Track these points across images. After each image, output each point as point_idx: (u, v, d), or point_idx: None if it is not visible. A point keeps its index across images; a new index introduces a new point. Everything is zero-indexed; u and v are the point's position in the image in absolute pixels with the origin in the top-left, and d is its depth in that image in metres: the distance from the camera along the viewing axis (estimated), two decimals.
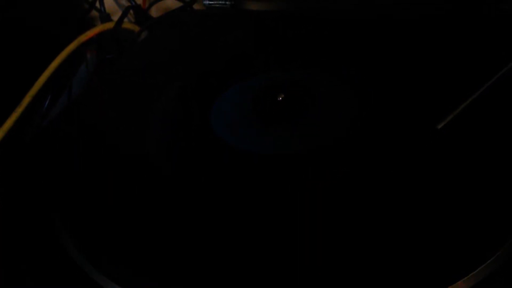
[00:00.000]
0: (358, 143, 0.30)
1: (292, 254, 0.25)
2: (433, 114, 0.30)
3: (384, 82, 0.34)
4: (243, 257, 0.25)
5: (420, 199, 0.26)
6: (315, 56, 0.39)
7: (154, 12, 0.54)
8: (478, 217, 0.25)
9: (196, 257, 0.26)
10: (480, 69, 0.33)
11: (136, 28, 0.48)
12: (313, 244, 0.25)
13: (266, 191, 0.29)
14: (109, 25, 0.46)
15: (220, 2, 0.47)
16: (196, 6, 0.51)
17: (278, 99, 0.34)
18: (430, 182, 0.27)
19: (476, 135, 0.29)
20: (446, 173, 0.27)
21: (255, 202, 0.28)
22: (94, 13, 0.53)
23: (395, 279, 0.23)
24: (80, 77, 0.51)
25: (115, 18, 0.48)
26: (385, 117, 0.32)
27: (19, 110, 0.39)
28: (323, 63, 0.38)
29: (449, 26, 0.38)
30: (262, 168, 0.30)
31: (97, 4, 0.51)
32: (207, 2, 0.47)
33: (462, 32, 0.37)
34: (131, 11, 0.52)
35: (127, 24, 0.48)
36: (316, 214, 0.26)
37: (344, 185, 0.28)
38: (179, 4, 0.51)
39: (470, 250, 0.23)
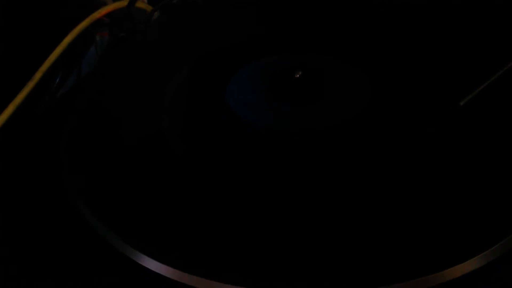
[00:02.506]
0: (366, 128, 0.30)
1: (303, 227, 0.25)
2: (442, 105, 0.30)
3: (397, 70, 0.34)
4: (258, 229, 0.25)
5: (429, 189, 0.26)
6: (328, 42, 0.38)
7: None
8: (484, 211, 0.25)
9: (212, 230, 0.26)
10: (497, 51, 0.32)
11: (149, 8, 0.47)
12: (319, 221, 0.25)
13: (279, 166, 0.29)
14: (122, 4, 0.46)
15: None
16: None
17: (296, 76, 0.34)
18: (437, 174, 0.27)
19: (492, 123, 0.29)
20: (456, 162, 0.27)
21: (268, 177, 0.28)
22: None
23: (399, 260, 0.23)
24: (89, 58, 0.50)
25: None
26: (396, 105, 0.32)
27: (30, 85, 0.39)
28: (336, 49, 0.37)
29: (463, 11, 0.38)
30: (274, 143, 0.30)
31: None
32: None
33: (476, 16, 0.37)
34: None
35: (140, 4, 0.47)
36: (318, 193, 0.27)
37: (350, 167, 0.28)
38: None
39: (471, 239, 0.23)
